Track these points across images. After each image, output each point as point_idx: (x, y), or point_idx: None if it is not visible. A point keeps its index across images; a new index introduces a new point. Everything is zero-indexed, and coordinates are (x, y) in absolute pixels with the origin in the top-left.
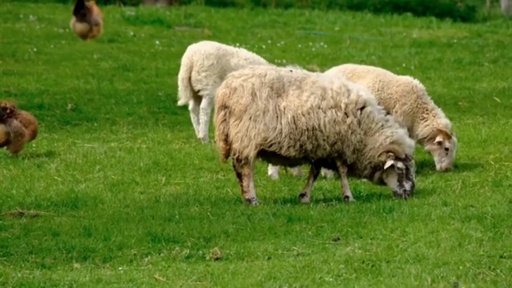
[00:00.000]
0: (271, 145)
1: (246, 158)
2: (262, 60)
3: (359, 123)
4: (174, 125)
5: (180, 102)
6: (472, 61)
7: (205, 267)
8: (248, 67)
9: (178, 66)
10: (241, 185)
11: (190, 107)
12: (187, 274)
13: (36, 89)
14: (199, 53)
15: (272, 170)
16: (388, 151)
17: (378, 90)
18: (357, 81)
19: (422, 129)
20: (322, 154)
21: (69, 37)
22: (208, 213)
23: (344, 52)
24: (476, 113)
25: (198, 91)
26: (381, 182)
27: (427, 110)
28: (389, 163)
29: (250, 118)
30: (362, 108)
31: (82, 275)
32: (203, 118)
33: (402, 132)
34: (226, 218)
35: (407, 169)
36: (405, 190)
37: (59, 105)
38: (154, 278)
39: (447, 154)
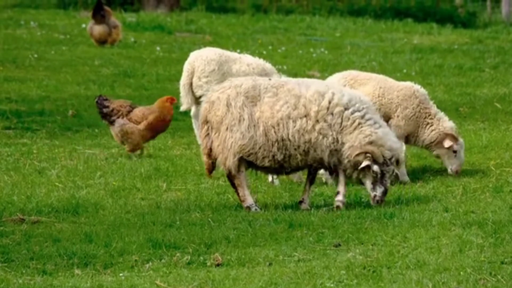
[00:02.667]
0: (249, 155)
1: (229, 169)
2: (268, 65)
3: (330, 126)
4: (175, 131)
5: (182, 108)
6: (473, 67)
7: (206, 273)
8: (228, 79)
9: (179, 72)
10: (238, 195)
11: (192, 112)
12: (188, 280)
13: (37, 95)
14: (200, 59)
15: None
16: (366, 152)
17: (379, 96)
18: (358, 88)
19: (429, 134)
20: (297, 164)
21: (69, 43)
22: (209, 219)
23: (345, 58)
24: (477, 119)
25: (200, 97)
26: (360, 182)
27: (430, 115)
28: (364, 163)
29: (227, 128)
30: (333, 113)
31: (83, 281)
32: None
33: (382, 133)
34: (227, 224)
35: (383, 174)
36: (375, 195)
37: (60, 111)
38: (155, 284)
39: (455, 156)
